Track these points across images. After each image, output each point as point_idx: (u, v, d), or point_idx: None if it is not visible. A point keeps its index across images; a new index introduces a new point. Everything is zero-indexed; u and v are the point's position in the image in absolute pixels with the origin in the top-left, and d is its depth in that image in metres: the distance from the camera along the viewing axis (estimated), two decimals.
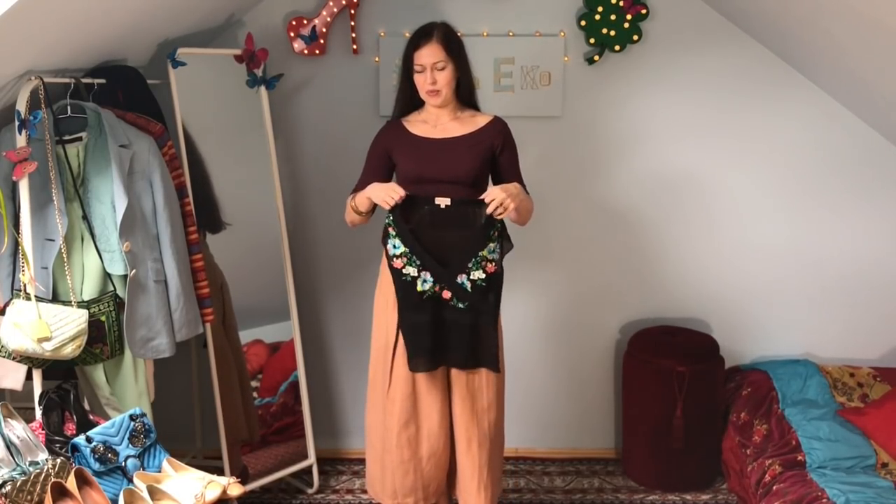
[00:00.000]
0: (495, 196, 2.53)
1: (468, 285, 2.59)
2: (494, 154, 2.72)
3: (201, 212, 3.00)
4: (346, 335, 3.73)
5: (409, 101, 2.77)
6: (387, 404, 2.74)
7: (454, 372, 2.71)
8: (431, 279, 2.60)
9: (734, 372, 3.63)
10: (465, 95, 2.75)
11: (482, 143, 2.69)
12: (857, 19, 2.59)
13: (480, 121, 2.74)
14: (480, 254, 2.58)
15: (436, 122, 2.74)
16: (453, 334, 2.63)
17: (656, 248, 3.65)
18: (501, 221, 2.62)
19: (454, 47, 2.67)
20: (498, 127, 2.74)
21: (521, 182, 2.75)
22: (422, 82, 2.67)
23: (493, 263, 2.61)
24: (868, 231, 3.58)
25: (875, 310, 3.63)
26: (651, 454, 3.51)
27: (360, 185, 2.77)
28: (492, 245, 2.60)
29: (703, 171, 3.57)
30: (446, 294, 2.60)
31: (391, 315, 2.72)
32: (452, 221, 2.59)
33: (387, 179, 2.75)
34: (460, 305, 2.60)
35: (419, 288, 2.61)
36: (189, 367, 3.50)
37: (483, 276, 2.59)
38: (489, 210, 2.53)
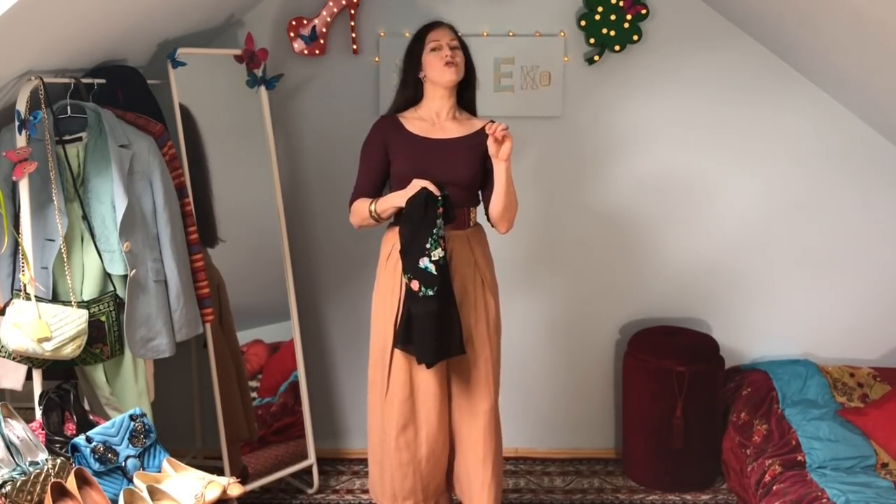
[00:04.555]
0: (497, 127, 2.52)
1: (432, 268, 2.53)
2: (487, 157, 2.66)
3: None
4: (346, 335, 3.73)
5: (412, 94, 2.74)
6: (385, 407, 2.72)
7: (453, 372, 2.70)
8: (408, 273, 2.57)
9: (734, 372, 3.63)
10: (466, 97, 2.75)
11: (479, 145, 2.65)
12: (856, 18, 2.59)
13: (477, 124, 2.72)
14: (434, 231, 2.53)
15: (434, 119, 2.71)
16: (425, 327, 2.54)
17: (656, 248, 3.65)
18: (444, 197, 2.55)
19: (462, 41, 2.71)
20: None
21: None
22: (438, 59, 2.63)
23: (443, 240, 2.56)
24: (868, 231, 3.58)
25: (875, 310, 3.63)
26: (651, 454, 3.51)
27: (360, 186, 2.75)
28: (439, 221, 2.54)
29: (703, 171, 3.57)
30: (414, 284, 2.54)
31: (388, 317, 2.69)
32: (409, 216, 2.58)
33: (387, 178, 2.74)
34: (430, 293, 2.53)
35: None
36: (189, 367, 3.50)
37: (442, 253, 2.54)
38: (490, 130, 2.51)
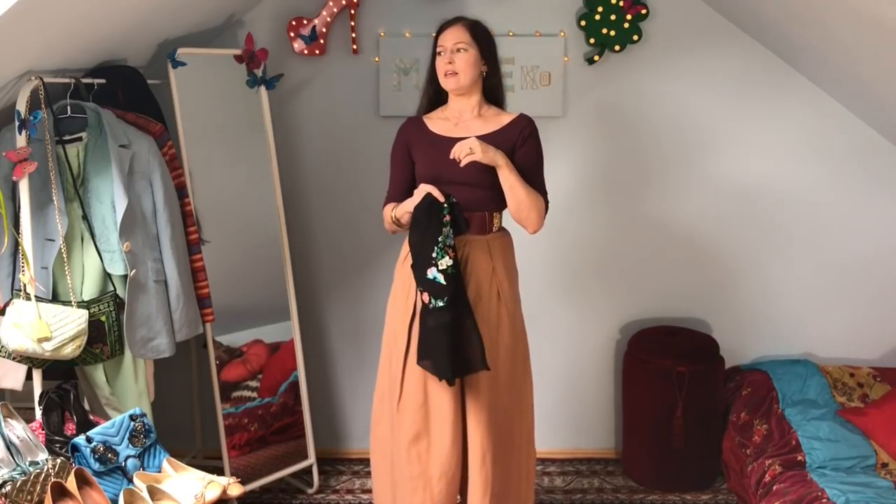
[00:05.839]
0: (463, 143, 2.46)
1: (441, 278, 2.44)
2: (514, 153, 2.57)
3: None
4: (346, 335, 3.73)
5: (434, 95, 2.68)
6: (396, 417, 2.60)
7: (468, 382, 2.56)
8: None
9: (734, 372, 3.63)
10: (491, 92, 2.66)
11: (503, 143, 2.55)
12: (856, 18, 2.59)
13: (504, 119, 2.62)
14: (439, 240, 2.44)
15: (458, 118, 2.63)
16: (440, 341, 2.44)
17: (656, 248, 3.65)
18: (451, 204, 2.47)
19: (481, 35, 2.60)
20: (521, 125, 2.61)
21: (540, 188, 2.61)
22: (440, 65, 2.57)
23: (452, 249, 2.46)
24: (868, 231, 3.58)
25: (875, 310, 3.63)
26: (651, 454, 3.51)
27: (391, 190, 2.67)
28: (445, 230, 2.45)
29: (703, 171, 3.57)
30: (425, 297, 2.46)
31: (401, 321, 2.60)
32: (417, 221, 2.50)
33: (416, 179, 2.65)
34: (440, 304, 2.43)
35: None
36: (189, 367, 3.50)
37: (450, 262, 2.44)
38: (454, 153, 2.46)
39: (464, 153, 2.46)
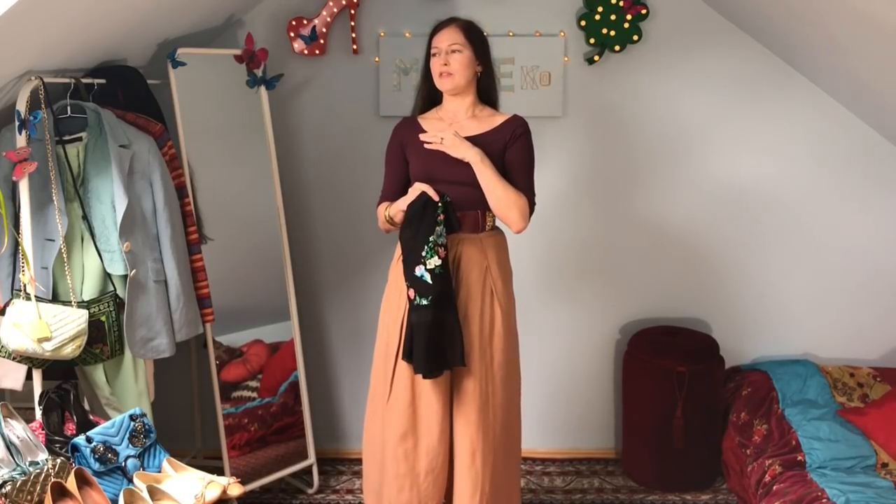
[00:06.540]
0: (439, 134, 2.51)
1: (427, 276, 2.47)
2: (504, 152, 2.59)
3: None
4: (346, 335, 3.73)
5: (428, 96, 2.69)
6: (386, 414, 2.63)
7: (457, 380, 2.59)
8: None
9: (734, 372, 3.63)
10: (485, 92, 2.67)
11: (495, 143, 2.57)
12: (856, 18, 2.59)
13: (498, 119, 2.64)
14: (431, 238, 2.47)
15: (452, 119, 2.64)
16: (419, 337, 2.48)
17: (656, 248, 3.65)
18: (445, 204, 2.50)
19: (475, 36, 2.61)
20: (513, 125, 2.62)
21: (527, 188, 2.61)
22: (436, 66, 2.59)
23: (443, 248, 2.49)
24: (869, 231, 3.58)
25: (875, 310, 3.63)
26: (651, 454, 3.51)
27: (385, 189, 2.69)
28: (438, 229, 2.48)
29: (704, 170, 3.57)
30: (410, 293, 2.49)
31: (394, 319, 2.61)
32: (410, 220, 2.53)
33: (410, 178, 2.66)
34: (424, 302, 2.46)
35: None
36: (189, 367, 3.50)
37: (439, 262, 2.47)
38: (426, 135, 2.53)
39: (435, 139, 2.51)
